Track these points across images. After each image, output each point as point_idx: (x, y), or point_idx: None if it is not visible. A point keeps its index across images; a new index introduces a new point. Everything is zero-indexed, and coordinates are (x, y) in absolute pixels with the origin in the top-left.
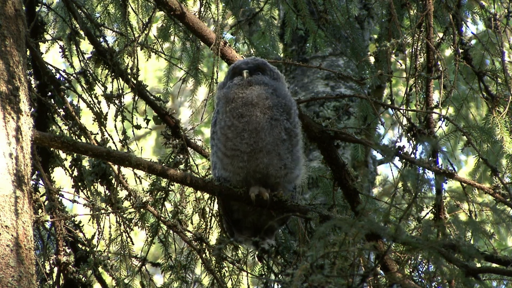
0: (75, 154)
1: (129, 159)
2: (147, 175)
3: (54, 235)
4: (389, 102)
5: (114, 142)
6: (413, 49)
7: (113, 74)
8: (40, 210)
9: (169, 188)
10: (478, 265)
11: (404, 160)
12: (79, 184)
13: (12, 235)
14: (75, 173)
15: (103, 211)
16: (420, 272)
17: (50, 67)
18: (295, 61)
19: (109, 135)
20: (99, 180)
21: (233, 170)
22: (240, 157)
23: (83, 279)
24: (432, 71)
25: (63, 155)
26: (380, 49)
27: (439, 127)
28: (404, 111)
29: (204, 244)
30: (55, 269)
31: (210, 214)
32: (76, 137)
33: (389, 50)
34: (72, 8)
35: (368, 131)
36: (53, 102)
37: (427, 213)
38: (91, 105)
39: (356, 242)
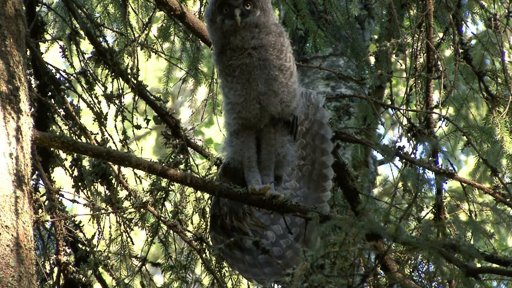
0: (75, 154)
1: (129, 159)
2: (147, 175)
3: (54, 235)
4: (389, 102)
5: (114, 142)
6: (413, 49)
7: (113, 74)
8: (40, 210)
9: (169, 188)
10: (478, 265)
11: (404, 160)
12: (79, 184)
13: (12, 235)
14: (75, 173)
15: (103, 211)
16: (420, 272)
17: (50, 67)
18: (295, 61)
19: (109, 135)
20: (99, 180)
21: (230, 122)
22: (235, 109)
23: (83, 279)
24: (432, 71)
25: (63, 155)
26: (380, 49)
27: (439, 127)
28: (404, 111)
29: (204, 244)
30: (55, 269)
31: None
32: (76, 137)
33: (389, 50)
34: (72, 8)
35: (368, 131)
36: (53, 102)
37: (427, 213)
38: (91, 105)
39: (356, 242)
